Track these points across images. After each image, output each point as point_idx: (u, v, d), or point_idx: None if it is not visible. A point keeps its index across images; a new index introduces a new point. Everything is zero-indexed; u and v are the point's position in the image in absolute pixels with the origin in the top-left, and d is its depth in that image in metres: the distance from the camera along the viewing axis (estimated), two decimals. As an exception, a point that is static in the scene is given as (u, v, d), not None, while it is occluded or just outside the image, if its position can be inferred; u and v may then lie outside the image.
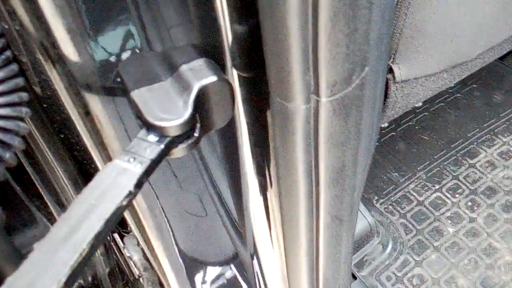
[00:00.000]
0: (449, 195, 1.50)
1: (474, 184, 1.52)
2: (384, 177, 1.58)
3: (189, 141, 0.48)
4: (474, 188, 1.51)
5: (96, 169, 0.65)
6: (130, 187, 0.41)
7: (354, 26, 0.36)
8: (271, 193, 0.63)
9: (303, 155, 0.46)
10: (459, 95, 1.77)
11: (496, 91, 1.77)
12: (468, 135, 1.64)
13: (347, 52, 0.38)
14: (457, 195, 1.50)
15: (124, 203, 0.41)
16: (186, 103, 0.46)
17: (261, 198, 0.67)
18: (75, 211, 0.39)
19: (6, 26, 0.52)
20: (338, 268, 0.64)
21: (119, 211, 0.40)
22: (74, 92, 0.47)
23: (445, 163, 1.58)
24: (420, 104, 1.72)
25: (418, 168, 1.58)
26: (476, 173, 1.54)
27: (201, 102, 0.48)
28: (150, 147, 0.45)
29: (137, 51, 0.49)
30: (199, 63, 0.48)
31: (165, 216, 0.81)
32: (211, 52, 0.50)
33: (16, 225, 0.64)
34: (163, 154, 0.46)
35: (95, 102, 0.48)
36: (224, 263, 0.99)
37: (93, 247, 0.38)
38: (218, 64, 0.50)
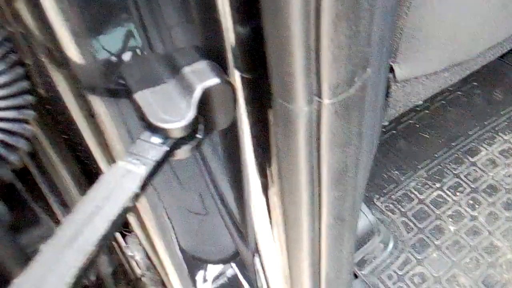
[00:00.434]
0: (450, 193, 1.51)
1: (475, 182, 1.52)
2: (385, 175, 1.58)
3: (193, 143, 0.49)
4: (475, 186, 1.51)
5: (98, 169, 0.65)
6: (135, 188, 0.42)
7: (356, 28, 0.36)
8: (273, 193, 0.64)
9: (305, 156, 0.47)
10: (459, 93, 1.77)
11: (497, 89, 1.77)
12: (469, 133, 1.64)
13: (349, 54, 0.38)
14: (458, 193, 1.50)
15: (129, 204, 0.41)
16: (189, 105, 0.46)
17: (263, 198, 0.68)
18: (80, 212, 0.39)
19: (11, 29, 0.53)
20: (340, 268, 0.64)
21: (124, 212, 0.40)
22: (79, 94, 0.47)
23: (446, 161, 1.58)
24: (420, 102, 1.73)
25: (419, 166, 1.58)
26: (477, 171, 1.55)
27: (204, 104, 0.48)
28: (154, 148, 0.46)
29: (140, 53, 0.50)
30: (202, 65, 0.49)
31: (167, 215, 0.81)
32: (213, 54, 0.50)
33: (20, 225, 0.64)
34: (167, 156, 0.46)
35: (99, 104, 0.48)
36: (226, 262, 0.99)
37: (99, 249, 0.38)
38: (220, 66, 0.50)
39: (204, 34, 0.50)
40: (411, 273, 1.36)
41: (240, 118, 0.56)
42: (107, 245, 0.39)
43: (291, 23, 0.35)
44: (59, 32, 0.41)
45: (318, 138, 0.45)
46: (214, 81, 0.48)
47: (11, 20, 0.51)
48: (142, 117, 0.48)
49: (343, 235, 0.58)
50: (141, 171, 0.43)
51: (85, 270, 0.37)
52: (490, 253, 1.37)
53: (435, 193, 1.51)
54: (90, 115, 0.49)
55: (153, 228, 0.79)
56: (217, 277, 1.00)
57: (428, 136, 1.65)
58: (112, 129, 0.52)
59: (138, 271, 0.94)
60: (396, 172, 1.58)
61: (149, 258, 0.92)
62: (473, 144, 1.62)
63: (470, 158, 1.58)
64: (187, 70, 0.48)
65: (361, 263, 1.38)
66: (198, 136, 0.49)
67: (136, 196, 0.42)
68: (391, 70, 0.87)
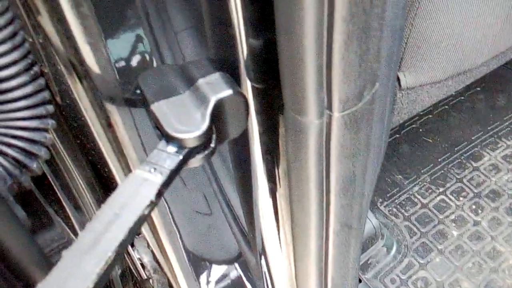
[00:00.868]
0: (453, 198, 1.52)
1: (478, 187, 1.53)
2: (388, 180, 1.59)
3: (206, 152, 0.50)
4: (478, 191, 1.52)
5: (110, 174, 0.67)
6: (152, 197, 0.43)
7: (366, 47, 0.38)
8: (281, 200, 0.65)
9: (315, 165, 0.48)
10: (463, 98, 1.78)
11: (500, 94, 1.78)
12: (472, 138, 1.65)
13: (359, 71, 0.40)
14: (461, 198, 1.51)
15: (146, 212, 0.43)
16: (204, 115, 0.48)
17: (271, 204, 0.69)
18: (100, 219, 0.41)
19: (30, 40, 0.54)
20: (346, 273, 0.66)
21: (141, 220, 0.42)
22: (97, 104, 0.49)
23: (449, 166, 1.59)
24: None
25: (422, 171, 1.59)
26: (480, 176, 1.56)
27: (217, 114, 0.50)
28: (170, 157, 0.47)
29: (157, 65, 0.51)
30: (216, 77, 0.50)
31: (176, 219, 0.83)
32: (226, 65, 0.52)
33: (35, 228, 0.66)
34: (182, 164, 0.48)
35: (116, 114, 0.50)
36: (232, 262, 1.01)
37: (118, 255, 0.40)
38: (233, 76, 0.52)
39: (218, 47, 0.52)
40: (414, 277, 1.37)
41: (251, 126, 0.58)
42: (124, 251, 0.41)
43: (304, 41, 0.37)
44: (83, 48, 0.43)
45: (328, 149, 0.47)
46: (227, 92, 0.49)
47: (31, 30, 0.53)
48: (158, 127, 0.49)
49: (350, 241, 0.60)
50: (158, 179, 0.45)
51: (105, 276, 0.39)
52: (493, 258, 1.38)
53: (438, 198, 1.52)
54: (108, 125, 0.51)
55: (161, 231, 0.80)
56: (224, 280, 1.01)
57: (431, 141, 1.67)
58: (128, 138, 0.53)
59: (146, 274, 0.96)
60: (399, 176, 1.59)
61: (156, 261, 0.94)
62: (476, 149, 1.63)
63: (473, 163, 1.59)
64: (201, 81, 0.50)
65: (365, 267, 1.39)
66: (212, 145, 0.51)
67: (153, 204, 0.44)
68: (397, 78, 0.88)
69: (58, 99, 0.60)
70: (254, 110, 0.55)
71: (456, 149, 1.63)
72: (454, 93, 1.78)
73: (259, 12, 0.44)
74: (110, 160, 0.61)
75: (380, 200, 1.54)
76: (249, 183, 0.68)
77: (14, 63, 0.45)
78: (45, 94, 0.47)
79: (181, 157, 0.48)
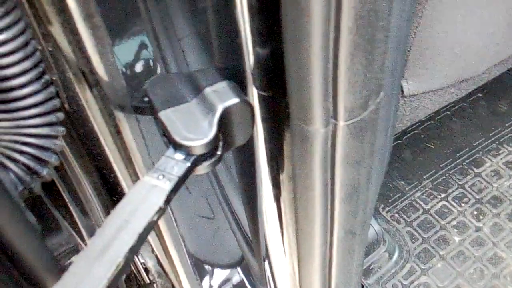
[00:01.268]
0: (455, 204, 1.52)
1: (480, 193, 1.53)
2: (390, 185, 1.59)
3: (213, 159, 0.51)
4: (480, 197, 1.52)
5: (116, 179, 0.68)
6: (160, 203, 0.44)
7: (372, 57, 0.39)
8: (285, 206, 0.66)
9: (320, 173, 0.49)
10: (464, 104, 1.79)
11: (502, 100, 1.79)
12: (474, 144, 1.66)
13: (364, 81, 0.40)
14: (463, 204, 1.52)
15: (155, 218, 0.44)
16: (211, 123, 0.49)
17: (275, 210, 0.70)
18: (110, 226, 0.42)
19: (40, 48, 0.55)
20: (350, 280, 0.67)
21: (150, 226, 0.43)
22: (108, 112, 0.50)
23: (451, 172, 1.60)
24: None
25: (424, 177, 1.60)
26: (481, 182, 1.56)
27: (224, 122, 0.51)
28: (177, 164, 0.48)
29: (165, 73, 0.52)
30: (222, 85, 0.51)
31: (180, 224, 0.83)
32: (233, 73, 0.53)
33: (42, 233, 0.66)
34: (189, 171, 0.49)
35: (125, 121, 0.51)
36: (235, 269, 1.01)
37: (127, 261, 0.41)
38: (239, 84, 0.53)
39: (224, 55, 0.52)
40: (416, 283, 1.37)
41: (256, 133, 0.59)
42: (134, 257, 0.42)
43: (311, 52, 0.38)
44: (94, 57, 0.44)
45: (333, 157, 0.47)
46: (234, 100, 0.50)
47: (41, 38, 0.54)
48: (166, 134, 0.50)
49: (354, 248, 0.61)
50: (166, 186, 0.46)
51: (114, 281, 0.40)
52: (495, 264, 1.38)
53: (440, 204, 1.53)
54: (116, 132, 0.51)
55: (165, 235, 0.81)
56: (223, 283, 1.02)
57: (433, 147, 1.67)
58: (136, 145, 0.54)
59: (150, 278, 0.97)
60: (401, 182, 1.60)
61: (160, 265, 0.94)
62: (478, 155, 1.63)
63: (475, 169, 1.60)
64: (208, 90, 0.51)
65: (366, 273, 1.40)
66: (218, 152, 0.51)
67: (162, 210, 0.44)
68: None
69: (66, 106, 0.61)
70: (259, 117, 0.56)
71: (458, 155, 1.63)
72: (455, 99, 1.78)
73: (266, 22, 0.45)
74: (117, 166, 0.62)
75: (382, 205, 1.54)
76: (254, 189, 0.69)
77: (26, 71, 0.46)
78: (56, 102, 0.48)
79: (188, 164, 0.48)
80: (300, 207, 0.56)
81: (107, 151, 0.61)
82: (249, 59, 0.50)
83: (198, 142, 0.48)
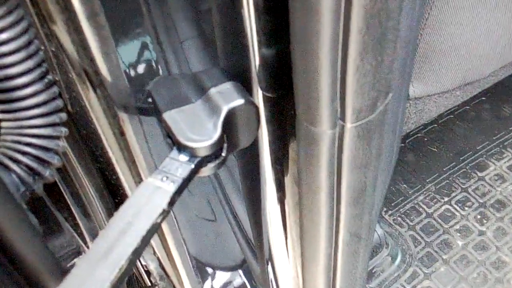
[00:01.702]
0: (458, 208, 1.51)
1: (483, 197, 1.53)
2: (393, 189, 1.59)
3: (217, 161, 0.50)
4: (483, 201, 1.52)
5: (118, 181, 0.67)
6: (164, 205, 0.44)
7: (381, 58, 0.38)
8: (290, 209, 0.65)
9: (326, 176, 0.48)
10: (468, 107, 1.78)
11: (505, 104, 1.78)
12: (477, 147, 1.65)
13: (373, 82, 0.40)
14: (466, 208, 1.51)
15: (158, 220, 0.43)
16: (216, 125, 0.48)
17: (278, 213, 0.69)
18: (113, 227, 0.41)
19: (42, 48, 0.55)
20: (354, 283, 0.66)
21: (154, 228, 0.42)
22: (111, 113, 0.49)
23: (454, 176, 1.59)
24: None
25: (427, 180, 1.59)
26: (485, 186, 1.56)
27: (229, 124, 0.50)
28: (182, 166, 0.47)
29: (169, 74, 0.52)
30: (227, 86, 0.51)
31: (182, 226, 0.83)
32: (238, 74, 0.52)
33: (44, 235, 0.66)
34: (193, 173, 0.48)
35: (129, 122, 0.50)
36: (237, 272, 1.01)
37: (130, 263, 0.40)
38: (244, 85, 0.52)
39: (230, 56, 0.52)
40: (419, 287, 1.36)
41: (261, 135, 0.58)
42: (137, 259, 0.41)
43: (320, 52, 0.37)
44: (98, 58, 0.44)
45: (339, 159, 0.47)
46: (239, 102, 0.49)
47: (44, 38, 0.53)
48: (170, 136, 0.50)
49: (359, 251, 0.60)
50: (170, 188, 0.45)
51: (117, 284, 0.39)
52: (498, 269, 1.37)
53: (443, 207, 1.52)
54: (120, 133, 0.51)
55: (168, 238, 0.80)
56: (225, 286, 1.01)
57: (436, 150, 1.66)
58: (139, 146, 0.54)
59: (151, 280, 0.96)
60: (404, 185, 1.59)
61: (162, 267, 0.94)
62: (481, 159, 1.63)
63: (478, 173, 1.59)
64: (213, 91, 0.50)
65: (369, 276, 1.39)
66: (223, 154, 0.51)
67: (165, 212, 0.44)
68: (405, 88, 0.88)
69: (68, 107, 0.61)
70: (264, 119, 0.55)
71: (461, 158, 1.63)
72: (460, 102, 1.78)
73: (272, 22, 0.44)
74: (120, 168, 0.61)
75: (385, 209, 1.54)
76: (257, 191, 0.68)
77: (28, 71, 0.45)
78: (58, 102, 0.47)
79: (192, 166, 0.48)
80: (305, 210, 0.55)
81: (110, 153, 0.60)
82: (255, 60, 0.50)
83: (203, 144, 0.48)
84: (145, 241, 0.42)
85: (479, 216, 1.49)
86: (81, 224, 0.76)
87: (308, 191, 0.52)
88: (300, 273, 0.70)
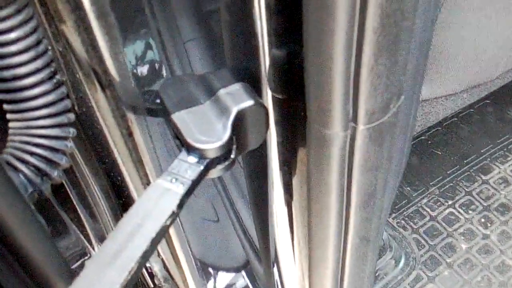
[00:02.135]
0: (462, 211, 1.51)
1: (487, 201, 1.52)
2: (397, 192, 1.58)
3: (226, 163, 0.50)
4: (487, 204, 1.51)
5: (123, 182, 0.67)
6: (174, 207, 0.43)
7: (395, 59, 0.38)
8: (297, 211, 0.65)
9: (336, 178, 0.48)
10: (472, 110, 1.77)
11: (510, 107, 1.77)
12: (481, 151, 1.65)
13: (387, 83, 0.39)
14: (470, 211, 1.50)
15: (168, 222, 0.43)
16: (225, 126, 0.48)
17: (285, 215, 0.69)
18: (122, 230, 0.41)
19: (49, 47, 0.54)
20: (361, 286, 0.65)
21: (163, 230, 0.42)
22: (120, 114, 0.49)
23: (458, 179, 1.59)
24: (433, 118, 1.73)
25: (431, 183, 1.58)
26: (489, 190, 1.55)
27: (238, 125, 0.49)
28: (191, 168, 0.47)
29: (178, 75, 0.51)
30: (236, 87, 0.50)
31: (187, 228, 0.82)
32: (247, 75, 0.52)
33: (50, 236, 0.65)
34: (203, 175, 0.47)
35: (138, 123, 0.50)
36: (243, 273, 1.00)
37: (140, 266, 0.39)
38: (253, 86, 0.51)
39: (240, 57, 0.51)
40: (423, 290, 1.36)
41: (269, 137, 0.57)
42: (146, 262, 0.40)
43: (333, 53, 0.36)
44: (105, 54, 0.43)
45: (350, 162, 0.46)
46: (248, 103, 0.49)
47: (51, 37, 0.53)
48: (178, 137, 0.49)
49: (367, 255, 0.59)
50: (179, 190, 0.45)
51: (127, 286, 0.38)
52: (502, 272, 1.37)
53: (447, 211, 1.51)
54: (128, 134, 0.50)
55: (173, 239, 0.80)
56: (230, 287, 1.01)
57: (440, 153, 1.66)
58: (148, 147, 0.53)
59: (156, 282, 0.95)
60: (408, 188, 1.59)
61: (167, 269, 0.93)
62: (485, 162, 1.62)
63: (482, 176, 1.58)
64: (222, 92, 0.50)
65: (373, 279, 1.38)
66: (232, 156, 0.50)
67: (175, 215, 0.43)
68: (411, 90, 0.88)
69: (75, 107, 0.60)
70: (273, 120, 0.55)
71: (465, 161, 1.62)
72: (467, 105, 1.77)
73: (284, 22, 0.43)
74: (126, 169, 0.61)
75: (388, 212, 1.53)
76: (264, 192, 0.68)
77: (37, 71, 0.45)
78: (67, 103, 0.46)
79: (202, 167, 0.47)
80: (314, 213, 0.55)
81: (116, 154, 0.60)
82: (265, 61, 0.49)
83: (212, 145, 0.47)
84: (154, 244, 0.41)
85: (483, 220, 1.48)
86: (87, 226, 0.75)
87: (317, 194, 0.51)
88: (307, 275, 0.69)
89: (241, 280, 1.04)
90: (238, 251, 0.96)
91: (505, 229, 1.45)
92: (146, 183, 0.60)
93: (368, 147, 0.44)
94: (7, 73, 0.44)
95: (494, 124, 1.71)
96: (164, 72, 0.56)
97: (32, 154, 0.44)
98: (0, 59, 0.43)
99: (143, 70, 0.53)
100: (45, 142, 0.45)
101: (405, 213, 1.52)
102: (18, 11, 0.43)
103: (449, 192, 1.55)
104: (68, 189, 0.70)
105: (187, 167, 0.47)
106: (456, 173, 1.59)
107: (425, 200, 1.54)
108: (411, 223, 1.50)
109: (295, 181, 0.60)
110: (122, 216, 0.43)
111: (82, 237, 0.77)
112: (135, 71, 0.52)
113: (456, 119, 1.74)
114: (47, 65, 0.45)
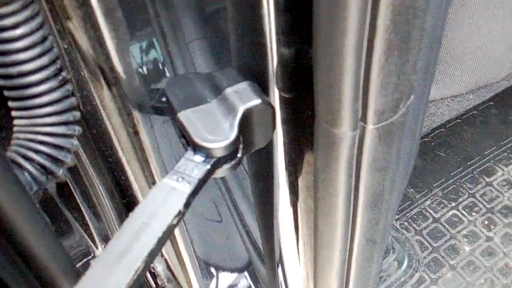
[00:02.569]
0: (465, 213, 1.50)
1: (490, 203, 1.51)
2: (400, 193, 1.57)
3: (233, 162, 0.49)
4: (490, 206, 1.51)
5: (127, 181, 0.66)
6: (180, 206, 0.43)
7: (406, 58, 0.37)
8: (302, 212, 0.64)
9: (344, 178, 0.47)
10: (475, 112, 1.77)
11: (513, 109, 1.77)
12: (485, 153, 1.64)
13: (397, 83, 0.39)
14: (473, 213, 1.50)
15: (174, 222, 0.42)
16: (232, 125, 0.47)
17: (290, 216, 0.68)
18: (129, 229, 0.40)
19: (53, 43, 0.54)
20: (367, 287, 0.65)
21: (169, 230, 0.41)
22: (126, 112, 0.48)
23: (462, 181, 1.58)
24: (436, 120, 1.72)
25: (434, 185, 1.58)
26: (493, 192, 1.54)
27: (245, 124, 0.49)
28: (197, 167, 0.46)
29: (184, 73, 0.51)
30: (243, 86, 0.50)
31: (191, 228, 0.82)
32: (254, 73, 0.51)
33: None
34: (209, 174, 0.47)
35: (144, 122, 0.50)
36: (247, 273, 1.00)
37: (146, 265, 0.39)
38: (260, 85, 0.51)
39: (247, 56, 0.51)
40: (426, 292, 1.35)
41: (275, 136, 0.57)
42: (152, 261, 0.40)
43: (344, 51, 0.36)
44: (112, 51, 0.43)
45: (359, 162, 0.46)
46: (255, 102, 0.48)
47: (56, 35, 0.52)
48: (184, 136, 0.49)
49: (373, 256, 0.59)
50: (186, 189, 0.44)
51: (133, 286, 0.38)
52: (505, 275, 1.36)
53: (450, 212, 1.51)
54: (134, 132, 0.50)
55: (177, 239, 0.79)
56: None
57: (443, 155, 1.65)
58: (153, 146, 0.53)
59: (159, 283, 0.95)
60: (411, 190, 1.58)
61: (170, 269, 0.93)
62: (489, 164, 1.61)
63: (486, 178, 1.58)
64: (229, 90, 0.49)
65: (376, 281, 1.38)
66: (238, 155, 0.50)
67: (181, 214, 0.43)
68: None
69: (80, 105, 0.60)
70: (280, 119, 0.54)
71: (468, 163, 1.61)
72: (472, 106, 1.76)
73: (292, 20, 0.43)
74: (131, 168, 0.60)
75: (392, 213, 1.52)
76: (269, 192, 0.67)
77: (42, 68, 0.44)
78: (72, 100, 0.46)
79: (208, 166, 0.47)
80: (320, 214, 0.54)
81: (120, 152, 0.59)
82: (272, 60, 0.49)
83: (219, 144, 0.47)
84: (161, 243, 0.41)
85: (486, 222, 1.48)
86: (90, 225, 0.75)
87: (324, 194, 0.51)
88: (312, 276, 0.69)
89: (243, 281, 1.04)
90: (241, 251, 0.96)
91: (509, 231, 1.44)
92: (152, 182, 0.59)
93: (376, 147, 0.44)
94: (12, 70, 0.43)
95: (497, 126, 1.70)
96: (169, 71, 0.56)
97: (37, 152, 0.44)
98: (5, 56, 0.43)
99: (149, 68, 0.53)
100: (50, 140, 0.44)
101: (408, 214, 1.52)
102: (24, 7, 0.42)
103: (453, 194, 1.55)
104: (72, 188, 0.70)
105: (194, 166, 0.47)
106: (460, 175, 1.59)
107: (428, 202, 1.54)
108: (414, 225, 1.49)
109: (301, 181, 0.60)
110: (126, 215, 0.42)
111: (86, 236, 0.77)
112: (141, 69, 0.52)
113: (459, 120, 1.74)
114: (52, 62, 0.45)
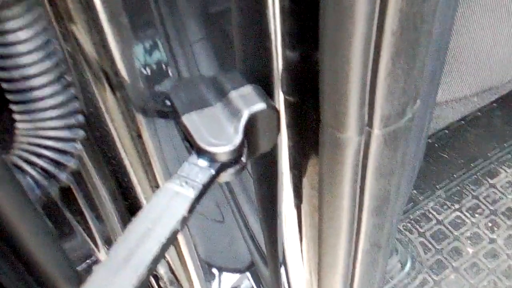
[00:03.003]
0: (468, 215, 1.50)
1: (494, 205, 1.51)
2: (403, 195, 1.57)
3: (237, 166, 0.49)
4: (494, 208, 1.50)
5: (129, 184, 0.66)
6: (184, 212, 0.42)
7: (413, 63, 0.37)
8: (306, 215, 0.64)
9: (349, 183, 0.47)
10: (479, 114, 1.76)
11: (517, 110, 1.76)
12: (488, 154, 1.63)
13: (404, 87, 0.38)
14: (477, 215, 1.49)
15: (178, 227, 0.42)
16: (237, 129, 0.47)
17: (294, 219, 0.68)
18: (133, 234, 0.40)
19: (57, 46, 0.54)
20: (372, 292, 0.65)
21: (173, 235, 0.41)
22: (130, 115, 0.48)
23: (465, 182, 1.58)
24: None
25: (438, 187, 1.57)
26: (496, 193, 1.54)
27: (249, 128, 0.48)
28: (201, 171, 0.46)
29: (188, 76, 0.51)
30: (248, 89, 0.49)
31: (194, 230, 0.81)
32: (259, 76, 0.51)
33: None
34: (214, 179, 0.46)
35: (147, 125, 0.49)
36: (250, 274, 1.00)
37: (150, 271, 0.39)
38: (265, 88, 0.51)
39: (252, 59, 0.51)
40: (429, 294, 1.35)
41: (280, 140, 0.57)
42: (156, 267, 0.40)
43: (351, 55, 0.36)
44: (116, 55, 0.42)
45: (364, 167, 0.45)
46: (260, 106, 0.48)
47: (60, 37, 0.52)
48: (188, 140, 0.48)
49: (378, 261, 0.59)
50: (190, 194, 0.44)
51: (137, 293, 0.38)
52: (509, 277, 1.36)
53: (453, 214, 1.50)
54: (138, 136, 0.50)
55: (179, 242, 0.79)
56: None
57: (447, 156, 1.65)
58: (157, 150, 0.52)
59: (161, 285, 0.95)
60: (414, 191, 1.58)
61: (172, 272, 0.93)
62: (492, 165, 1.61)
63: (489, 180, 1.57)
64: (233, 94, 0.49)
65: (379, 283, 1.37)
66: (243, 160, 0.49)
67: (185, 219, 0.42)
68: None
69: (83, 108, 0.60)
70: (285, 123, 0.54)
71: (472, 165, 1.61)
72: (476, 109, 1.75)
73: (298, 24, 0.43)
74: (135, 171, 0.60)
75: (395, 215, 1.52)
76: (273, 196, 0.67)
77: (46, 71, 0.44)
78: (76, 104, 0.46)
79: (212, 171, 0.46)
80: (325, 218, 0.54)
81: (123, 156, 0.59)
82: (278, 63, 0.48)
83: (224, 149, 0.46)
84: (164, 248, 0.40)
85: (489, 224, 1.47)
86: (93, 228, 0.75)
87: (329, 199, 0.50)
88: (316, 279, 0.68)
89: (246, 282, 1.04)
90: (243, 252, 0.96)
91: (512, 234, 1.44)
92: (155, 185, 0.59)
93: (382, 151, 0.44)
94: (15, 73, 0.43)
95: (501, 128, 1.69)
96: (173, 74, 0.55)
97: (40, 156, 0.44)
98: (9, 59, 0.43)
99: (153, 71, 0.53)
100: (53, 144, 0.44)
101: (411, 216, 1.52)
102: (28, 10, 0.42)
103: (456, 196, 1.54)
104: (74, 191, 0.69)
105: (198, 170, 0.46)
106: (463, 177, 1.58)
107: (431, 204, 1.53)
108: (417, 227, 1.49)
109: (306, 185, 0.60)
110: (129, 218, 0.42)
111: (88, 239, 0.76)
112: (145, 72, 0.52)
113: (463, 122, 1.73)
114: (56, 66, 0.45)
